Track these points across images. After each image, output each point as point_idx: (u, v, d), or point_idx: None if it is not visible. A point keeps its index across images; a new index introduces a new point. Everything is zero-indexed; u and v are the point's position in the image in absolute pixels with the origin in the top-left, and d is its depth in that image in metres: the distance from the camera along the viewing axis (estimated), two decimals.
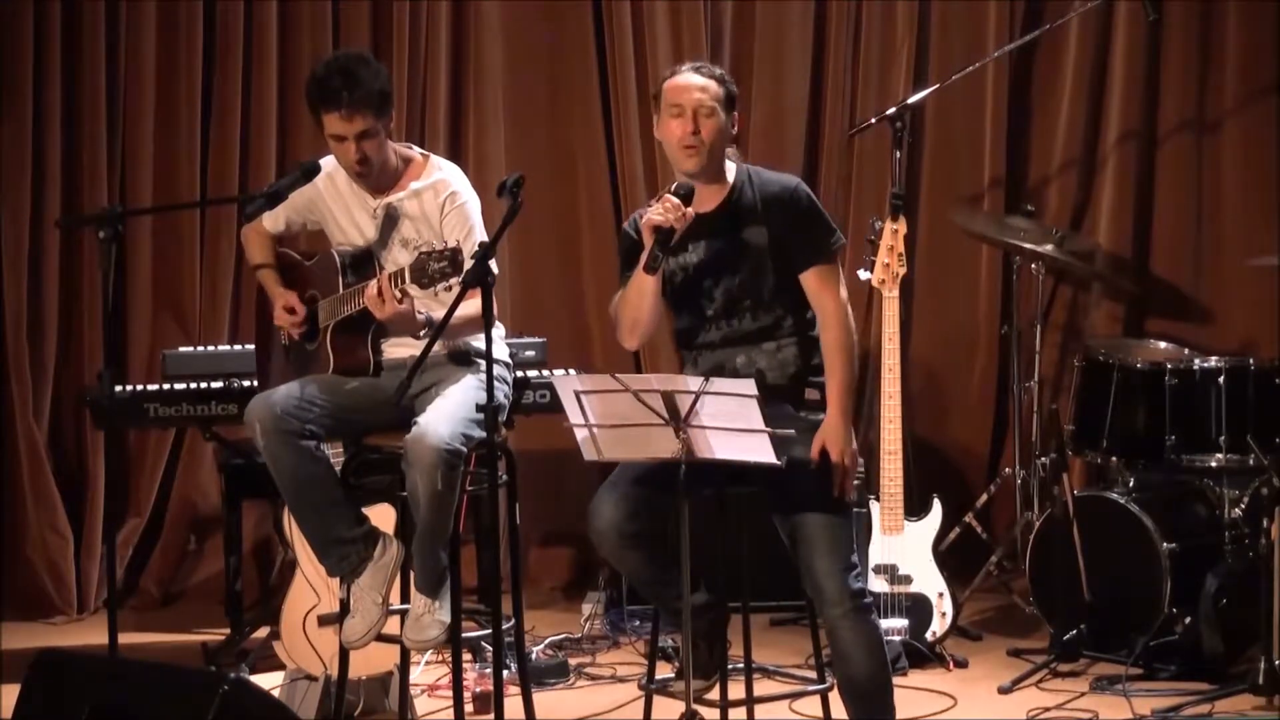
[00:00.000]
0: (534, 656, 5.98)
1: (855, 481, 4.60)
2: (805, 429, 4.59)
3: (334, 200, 5.06)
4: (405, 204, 4.99)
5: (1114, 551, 5.91)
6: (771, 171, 4.78)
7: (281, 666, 5.59)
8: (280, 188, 4.96)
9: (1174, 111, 7.03)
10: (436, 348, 4.79)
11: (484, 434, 4.64)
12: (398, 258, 4.97)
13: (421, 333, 4.79)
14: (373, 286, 4.79)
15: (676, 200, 4.54)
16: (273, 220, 5.13)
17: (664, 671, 4.92)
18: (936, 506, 6.06)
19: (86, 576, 6.93)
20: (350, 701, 5.39)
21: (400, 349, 4.98)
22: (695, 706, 4.50)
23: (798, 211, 4.66)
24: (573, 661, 6.06)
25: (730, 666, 4.68)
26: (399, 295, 4.73)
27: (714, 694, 4.64)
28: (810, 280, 4.64)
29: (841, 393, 4.59)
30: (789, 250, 4.63)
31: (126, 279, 6.98)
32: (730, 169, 4.70)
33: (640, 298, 4.63)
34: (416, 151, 5.10)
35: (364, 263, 5.01)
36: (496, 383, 4.77)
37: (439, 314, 4.72)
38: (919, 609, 5.98)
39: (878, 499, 5.95)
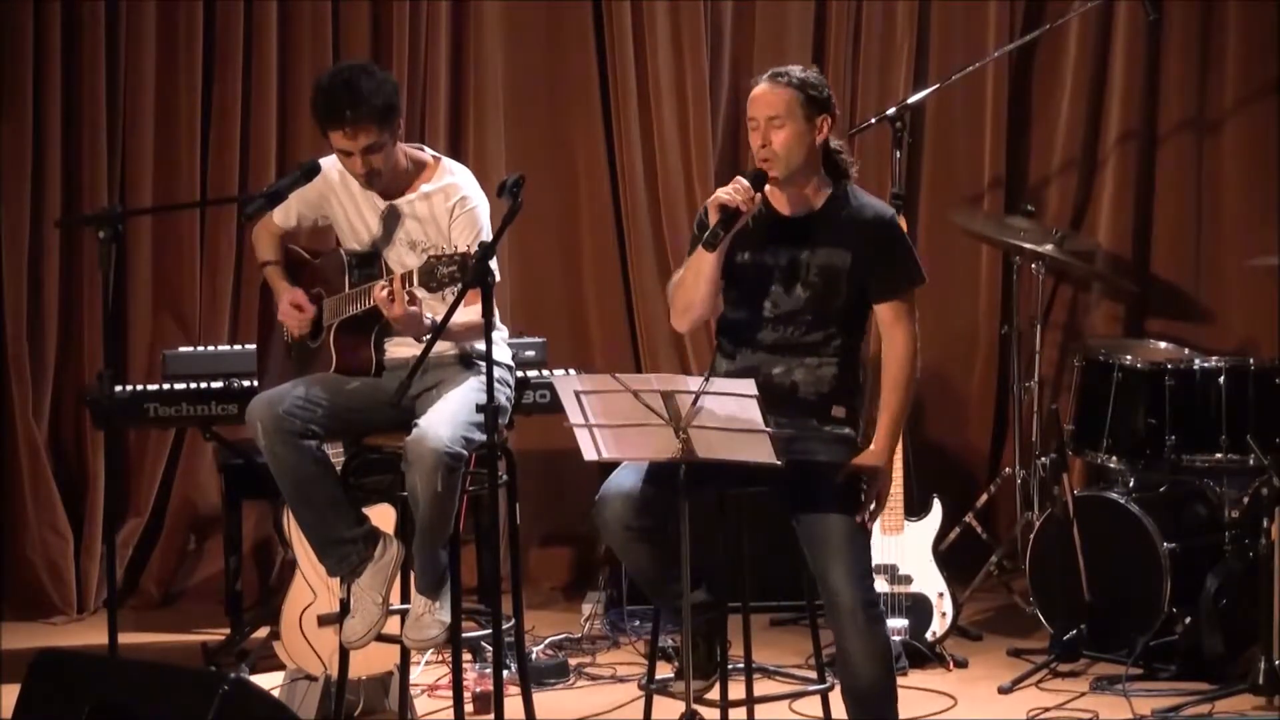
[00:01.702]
0: (534, 656, 5.98)
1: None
2: (829, 440, 4.60)
3: (345, 199, 5.05)
4: (415, 206, 4.99)
5: (1114, 551, 5.91)
6: (872, 197, 4.75)
7: (281, 666, 5.59)
8: (280, 188, 4.97)
9: (1174, 111, 7.03)
10: (438, 349, 4.79)
11: (484, 437, 4.64)
12: (405, 259, 4.97)
13: (426, 336, 4.80)
14: (382, 288, 4.79)
15: (747, 184, 4.51)
16: (283, 216, 5.13)
17: (664, 671, 4.91)
18: (936, 506, 6.06)
19: (86, 576, 6.92)
20: (350, 701, 5.39)
21: (402, 349, 4.98)
22: (695, 706, 4.50)
23: (889, 243, 4.66)
24: (573, 661, 6.06)
25: (730, 666, 4.68)
26: (409, 297, 4.74)
27: (714, 694, 4.64)
28: (886, 312, 4.65)
29: (891, 426, 4.63)
30: (871, 279, 4.62)
31: (126, 279, 6.97)
32: (830, 183, 4.66)
33: (697, 278, 4.60)
34: (428, 153, 5.09)
35: (371, 263, 5.01)
36: (498, 385, 4.78)
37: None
38: (919, 609, 5.98)
39: None
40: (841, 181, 4.70)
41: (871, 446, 4.62)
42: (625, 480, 4.57)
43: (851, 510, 4.54)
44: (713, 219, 4.51)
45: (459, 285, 4.59)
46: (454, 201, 4.97)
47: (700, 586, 4.64)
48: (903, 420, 4.67)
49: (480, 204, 5.00)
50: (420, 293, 4.75)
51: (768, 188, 4.59)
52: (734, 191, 4.50)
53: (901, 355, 4.65)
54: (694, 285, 4.61)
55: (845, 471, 4.56)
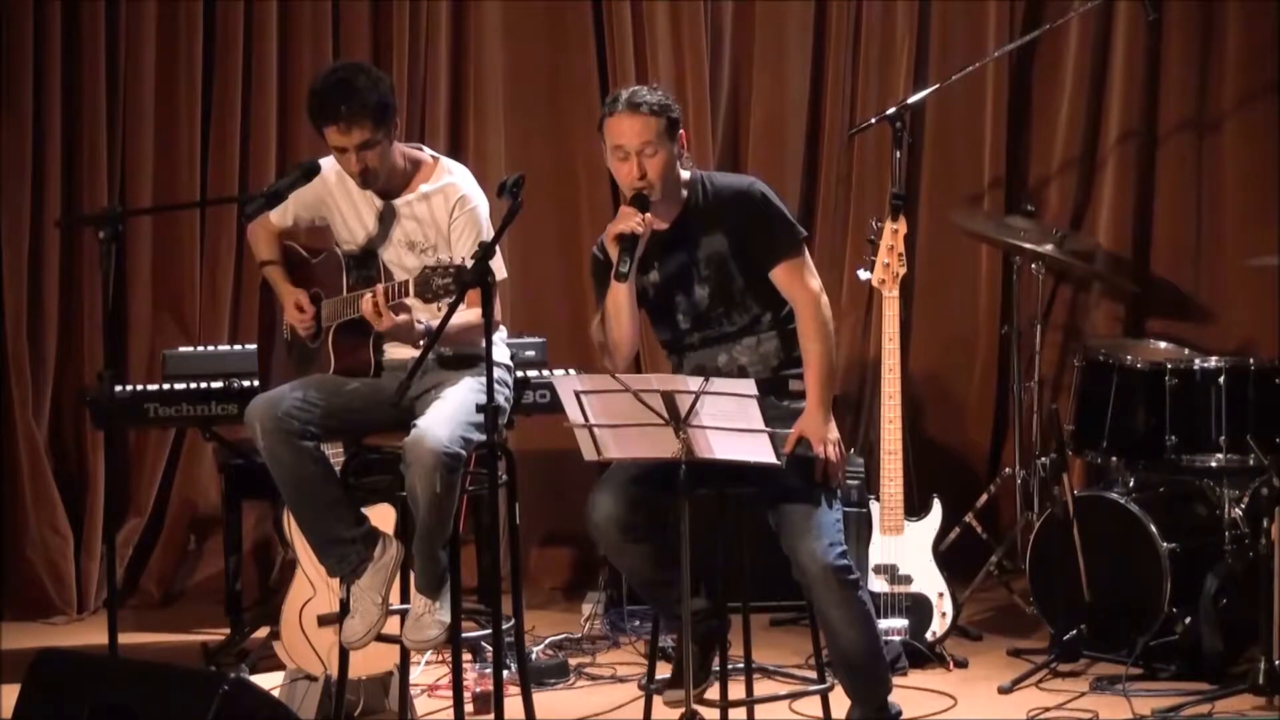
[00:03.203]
0: (534, 656, 5.98)
1: (853, 481, 4.62)
2: (789, 417, 4.63)
3: (343, 199, 5.05)
4: (414, 206, 4.99)
5: (1114, 551, 5.91)
6: (726, 175, 4.84)
7: (281, 666, 5.59)
8: (280, 188, 4.97)
9: (1174, 111, 7.03)
10: (438, 350, 4.79)
11: (483, 437, 4.64)
12: (404, 260, 4.97)
13: (420, 342, 4.79)
14: (367, 300, 4.79)
15: (634, 209, 4.58)
16: (280, 215, 5.13)
17: (664, 672, 4.91)
18: (936, 506, 6.06)
19: (86, 576, 6.92)
20: (350, 701, 5.39)
21: (401, 350, 4.98)
22: (695, 706, 4.50)
23: (754, 212, 4.68)
24: (573, 661, 6.06)
25: (730, 666, 4.68)
26: (397, 308, 4.74)
27: (714, 693, 4.64)
28: (779, 276, 4.68)
29: (819, 384, 4.63)
30: (751, 252, 4.67)
31: (126, 279, 6.98)
32: (684, 177, 4.71)
33: (617, 314, 4.66)
34: (426, 153, 5.09)
35: (369, 263, 5.01)
36: (497, 386, 4.77)
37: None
38: (919, 609, 5.98)
39: (878, 499, 5.95)
40: (695, 175, 4.74)
41: (805, 411, 4.63)
42: (614, 483, 4.59)
43: (810, 493, 4.56)
44: (614, 252, 4.58)
45: (453, 297, 4.59)
46: (454, 202, 4.97)
47: (699, 594, 4.65)
48: (828, 376, 4.65)
49: (480, 204, 5.01)
50: (415, 302, 4.76)
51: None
52: (625, 218, 4.57)
53: (808, 313, 4.66)
54: (616, 322, 4.67)
55: (790, 458, 4.54)
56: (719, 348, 4.71)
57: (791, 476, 4.56)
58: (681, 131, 4.70)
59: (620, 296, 4.64)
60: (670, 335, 4.78)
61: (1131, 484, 6.07)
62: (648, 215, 4.59)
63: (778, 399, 4.67)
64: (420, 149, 5.11)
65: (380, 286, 4.82)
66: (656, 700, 4.81)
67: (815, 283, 4.69)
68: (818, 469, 4.58)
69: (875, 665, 4.67)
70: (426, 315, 4.85)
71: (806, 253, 4.72)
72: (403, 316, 4.79)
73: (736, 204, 4.69)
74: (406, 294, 4.75)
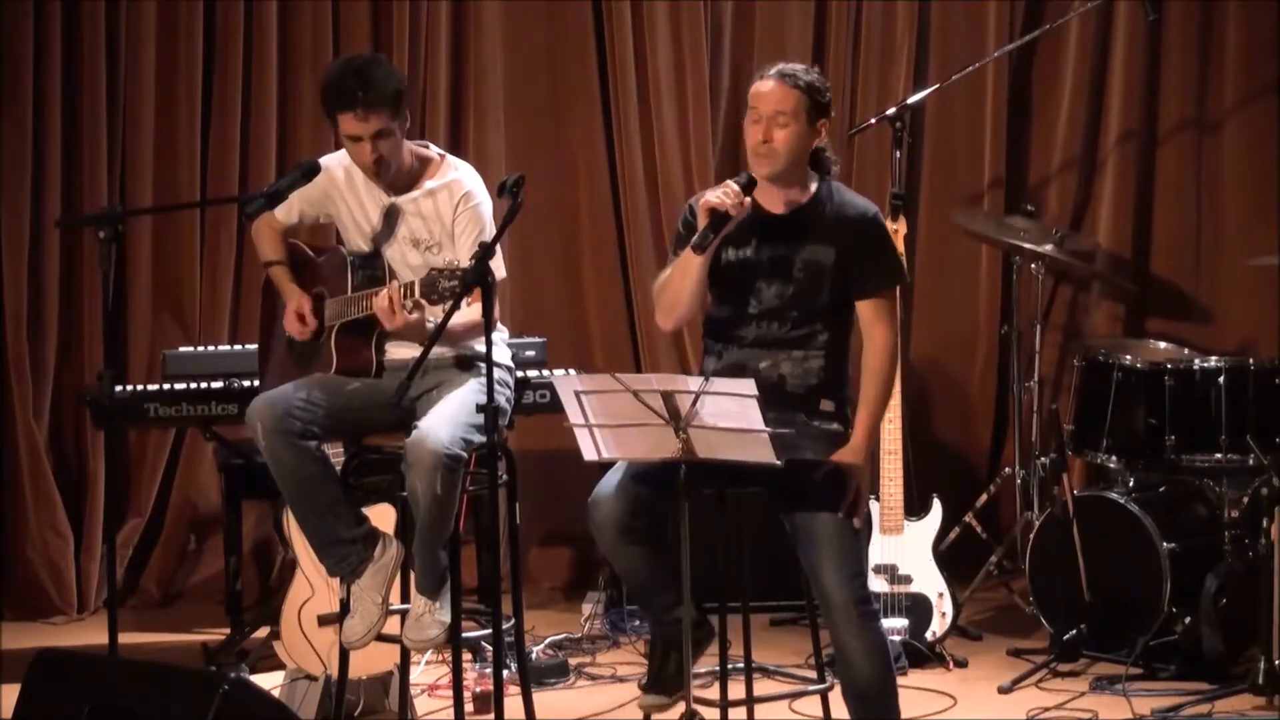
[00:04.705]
0: (534, 656, 5.98)
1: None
2: (816, 436, 4.60)
3: (349, 195, 5.05)
4: (419, 203, 4.99)
5: (1114, 551, 5.91)
6: (854, 193, 4.77)
7: (281, 666, 5.60)
8: (280, 188, 4.96)
9: (1174, 111, 7.03)
10: (439, 350, 4.79)
11: (484, 438, 4.64)
12: (408, 257, 4.97)
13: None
14: (383, 297, 4.79)
15: (737, 189, 4.55)
16: (285, 213, 5.12)
17: None
18: (936, 506, 6.06)
19: (86, 576, 6.92)
20: (350, 701, 5.39)
21: (402, 350, 4.98)
22: (695, 707, 4.51)
23: (873, 239, 4.67)
24: (573, 661, 6.06)
25: (730, 666, 4.68)
26: (410, 306, 4.74)
27: (714, 693, 4.64)
28: (866, 309, 4.66)
29: (870, 418, 4.63)
30: (852, 275, 4.64)
31: (126, 279, 6.97)
32: (814, 178, 4.69)
33: (683, 279, 4.63)
34: (433, 150, 5.10)
35: (374, 262, 5.01)
36: (499, 387, 4.77)
37: None
38: (919, 609, 5.98)
39: (878, 499, 5.95)
40: (825, 178, 4.72)
41: (850, 440, 4.62)
42: (616, 482, 4.57)
43: (837, 503, 4.55)
44: (702, 222, 4.55)
45: (458, 299, 4.58)
46: (458, 197, 4.97)
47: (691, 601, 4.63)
48: (880, 415, 4.68)
49: (484, 201, 5.01)
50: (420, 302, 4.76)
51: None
52: (724, 195, 4.53)
53: (880, 352, 4.65)
54: (680, 285, 4.64)
55: (825, 468, 4.55)
56: (766, 352, 4.65)
57: (820, 485, 4.54)
58: (824, 121, 4.64)
59: (692, 264, 4.59)
60: (731, 316, 4.69)
61: (1131, 484, 6.07)
62: (747, 201, 4.56)
63: (809, 417, 4.64)
64: (426, 146, 5.11)
65: (395, 284, 4.81)
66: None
67: (895, 327, 4.70)
68: (846, 503, 4.56)
69: (886, 698, 4.63)
70: (431, 315, 4.85)
71: (897, 298, 4.73)
72: (415, 315, 4.78)
73: (859, 224, 4.66)
74: (412, 295, 4.75)
